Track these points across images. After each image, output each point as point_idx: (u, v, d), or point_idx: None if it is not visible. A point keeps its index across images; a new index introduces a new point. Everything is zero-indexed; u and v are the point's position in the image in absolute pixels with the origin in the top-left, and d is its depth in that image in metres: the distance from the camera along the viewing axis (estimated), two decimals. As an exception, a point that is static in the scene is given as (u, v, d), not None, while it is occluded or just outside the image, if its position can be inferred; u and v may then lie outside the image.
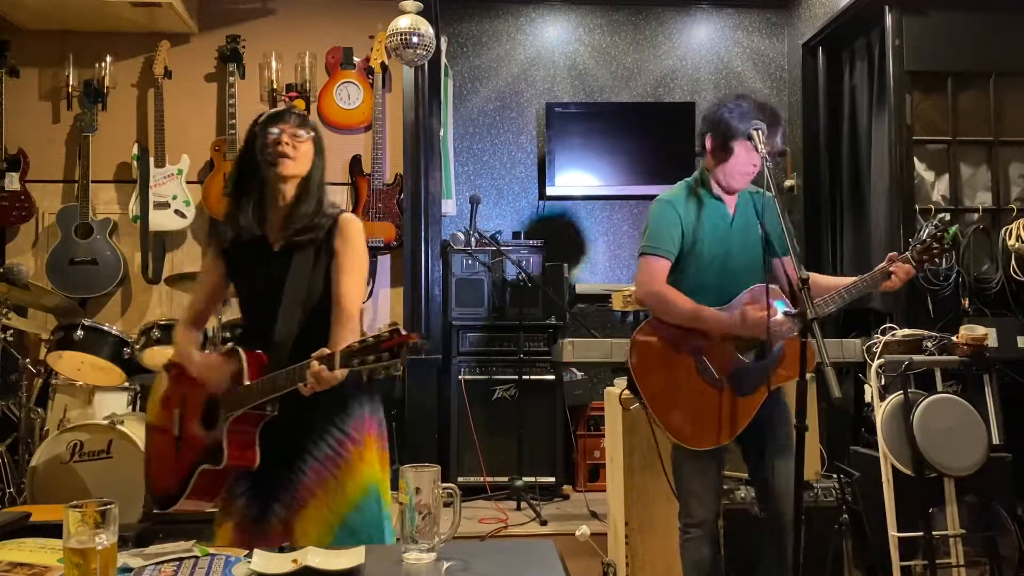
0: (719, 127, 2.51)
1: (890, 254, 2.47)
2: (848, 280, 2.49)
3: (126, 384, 3.92)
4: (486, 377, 4.60)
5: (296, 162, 2.04)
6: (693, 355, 2.47)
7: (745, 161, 2.49)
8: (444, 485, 1.51)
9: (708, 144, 2.57)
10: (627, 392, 2.67)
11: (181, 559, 1.50)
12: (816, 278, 2.48)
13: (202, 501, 1.97)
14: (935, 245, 2.45)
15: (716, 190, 2.57)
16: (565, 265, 4.84)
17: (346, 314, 1.97)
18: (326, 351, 1.74)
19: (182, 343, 2.14)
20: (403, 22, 4.16)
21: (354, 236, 2.06)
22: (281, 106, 2.34)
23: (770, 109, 2.53)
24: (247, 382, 1.87)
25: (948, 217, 4.29)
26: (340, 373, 1.73)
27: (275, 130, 2.04)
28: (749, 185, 2.62)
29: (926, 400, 3.05)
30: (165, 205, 4.58)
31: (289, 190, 2.05)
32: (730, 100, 2.54)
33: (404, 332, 1.56)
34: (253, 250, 2.08)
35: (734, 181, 2.54)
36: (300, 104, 4.72)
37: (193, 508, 1.98)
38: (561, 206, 5.62)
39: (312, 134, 2.09)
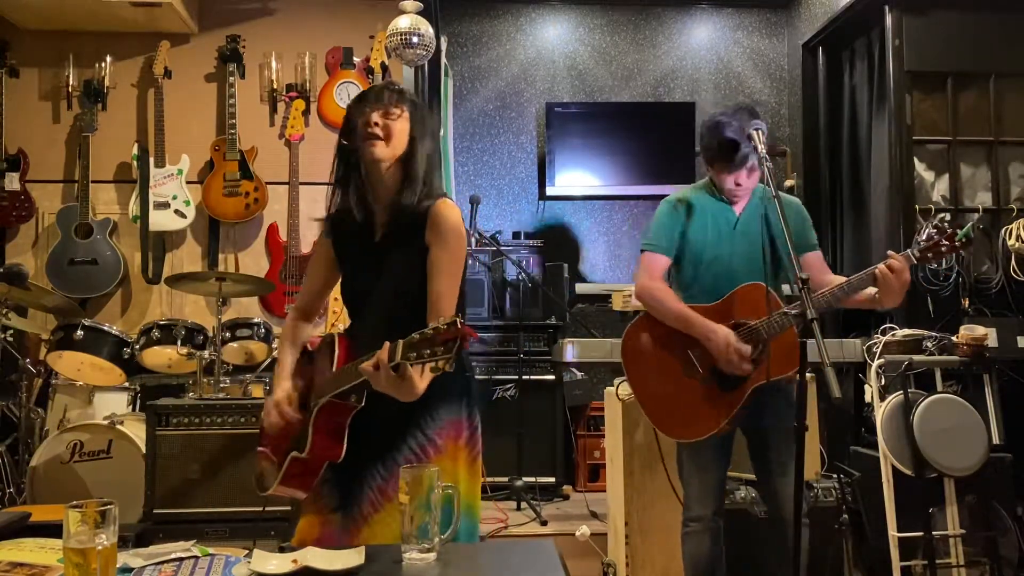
0: (703, 140, 2.57)
1: (888, 252, 2.35)
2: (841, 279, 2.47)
3: (126, 384, 3.92)
4: (486, 377, 4.60)
5: (389, 143, 1.88)
6: (680, 349, 2.50)
7: (727, 178, 2.53)
8: (444, 485, 1.51)
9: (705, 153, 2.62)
10: (625, 384, 2.73)
11: (181, 559, 1.50)
12: (830, 278, 2.51)
13: (295, 489, 1.93)
14: (943, 242, 2.30)
15: (722, 193, 2.61)
16: (565, 265, 4.84)
17: (436, 316, 1.81)
18: (389, 344, 1.62)
19: (282, 341, 2.07)
20: (403, 22, 4.16)
21: (447, 228, 1.86)
22: (376, 85, 2.01)
23: (749, 127, 2.49)
24: (334, 369, 1.83)
25: (948, 217, 4.29)
26: (415, 376, 1.63)
27: (366, 110, 1.89)
28: (764, 188, 2.64)
29: (926, 400, 3.05)
30: (165, 205, 4.58)
31: (389, 176, 1.91)
32: (720, 111, 2.57)
33: (461, 326, 1.50)
34: (357, 239, 1.97)
35: (725, 193, 2.58)
36: (300, 104, 4.73)
37: (286, 495, 1.94)
38: (561, 206, 5.63)
39: (408, 110, 1.91)
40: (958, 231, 2.30)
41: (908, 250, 2.33)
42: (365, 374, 1.68)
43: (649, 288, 2.54)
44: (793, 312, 2.36)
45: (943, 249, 2.30)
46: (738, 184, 2.52)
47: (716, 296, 2.50)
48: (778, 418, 2.49)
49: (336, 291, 2.11)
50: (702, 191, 2.64)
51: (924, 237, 2.35)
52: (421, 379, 1.66)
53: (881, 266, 2.27)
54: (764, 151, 2.40)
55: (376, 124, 1.88)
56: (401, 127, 1.90)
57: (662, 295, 2.53)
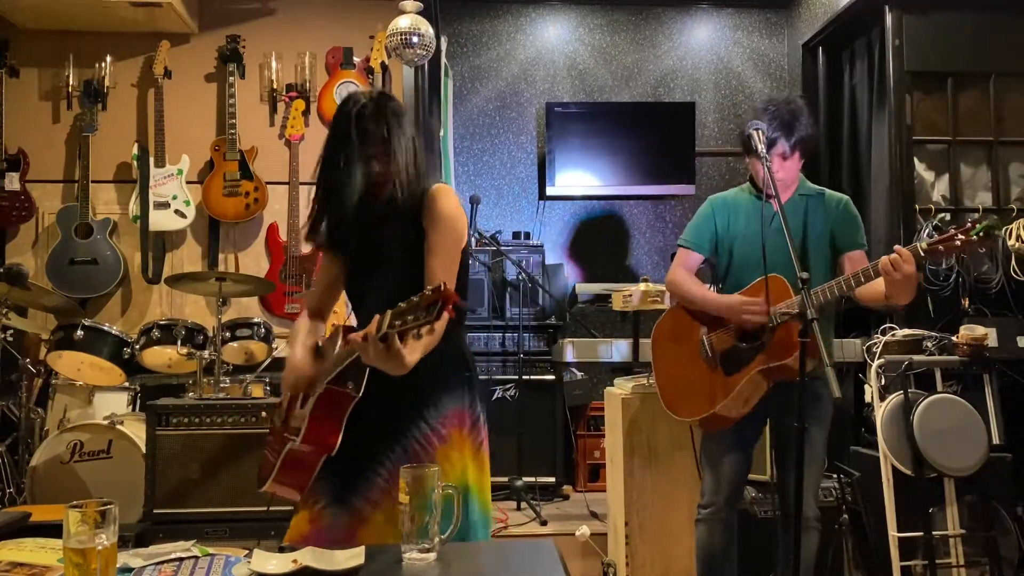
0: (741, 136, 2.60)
1: (895, 247, 2.27)
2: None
3: (126, 384, 3.92)
4: (486, 377, 4.60)
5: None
6: (698, 334, 2.66)
7: (759, 166, 2.55)
8: (444, 485, 1.51)
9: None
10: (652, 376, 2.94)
11: (181, 559, 1.50)
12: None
13: (290, 488, 1.94)
14: (958, 237, 2.16)
15: (757, 187, 2.66)
16: (565, 265, 4.84)
17: None
18: (379, 316, 1.64)
19: (293, 332, 2.08)
20: (403, 22, 4.16)
21: (440, 212, 1.89)
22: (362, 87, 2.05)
23: (786, 113, 2.53)
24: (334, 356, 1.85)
25: (948, 217, 4.29)
26: (403, 349, 1.61)
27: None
28: (811, 187, 2.69)
29: (926, 400, 3.05)
30: (165, 205, 4.58)
31: (372, 172, 1.90)
32: (763, 100, 2.64)
33: (444, 288, 1.51)
34: (355, 232, 1.99)
35: (759, 184, 2.64)
36: (300, 104, 4.73)
37: (282, 493, 1.95)
38: (561, 206, 5.62)
39: (384, 113, 1.90)
40: (976, 225, 2.17)
41: (915, 243, 2.26)
42: (355, 346, 1.69)
43: (673, 276, 2.75)
44: (793, 312, 2.37)
45: (956, 243, 2.17)
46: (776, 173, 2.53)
47: None
48: (791, 415, 2.50)
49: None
50: (743, 191, 2.75)
51: (926, 235, 2.32)
52: (410, 352, 1.65)
53: (884, 258, 2.25)
54: (763, 150, 2.42)
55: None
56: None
57: (683, 280, 2.71)
